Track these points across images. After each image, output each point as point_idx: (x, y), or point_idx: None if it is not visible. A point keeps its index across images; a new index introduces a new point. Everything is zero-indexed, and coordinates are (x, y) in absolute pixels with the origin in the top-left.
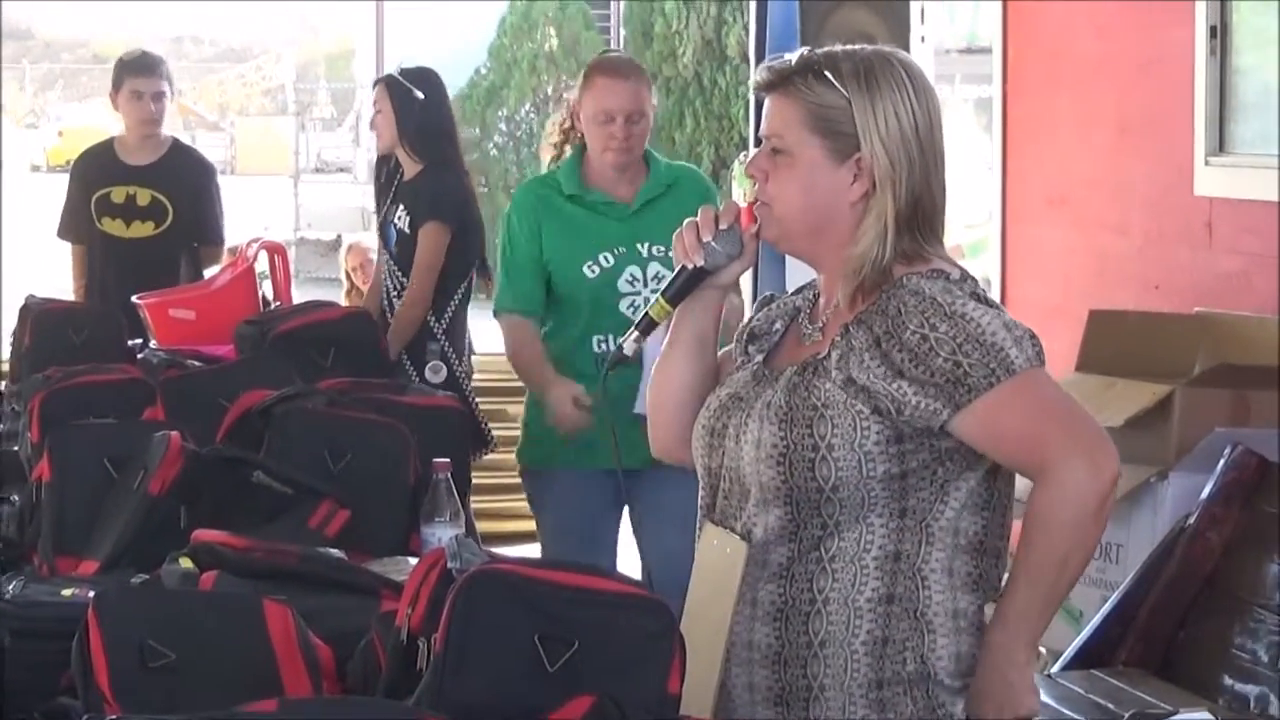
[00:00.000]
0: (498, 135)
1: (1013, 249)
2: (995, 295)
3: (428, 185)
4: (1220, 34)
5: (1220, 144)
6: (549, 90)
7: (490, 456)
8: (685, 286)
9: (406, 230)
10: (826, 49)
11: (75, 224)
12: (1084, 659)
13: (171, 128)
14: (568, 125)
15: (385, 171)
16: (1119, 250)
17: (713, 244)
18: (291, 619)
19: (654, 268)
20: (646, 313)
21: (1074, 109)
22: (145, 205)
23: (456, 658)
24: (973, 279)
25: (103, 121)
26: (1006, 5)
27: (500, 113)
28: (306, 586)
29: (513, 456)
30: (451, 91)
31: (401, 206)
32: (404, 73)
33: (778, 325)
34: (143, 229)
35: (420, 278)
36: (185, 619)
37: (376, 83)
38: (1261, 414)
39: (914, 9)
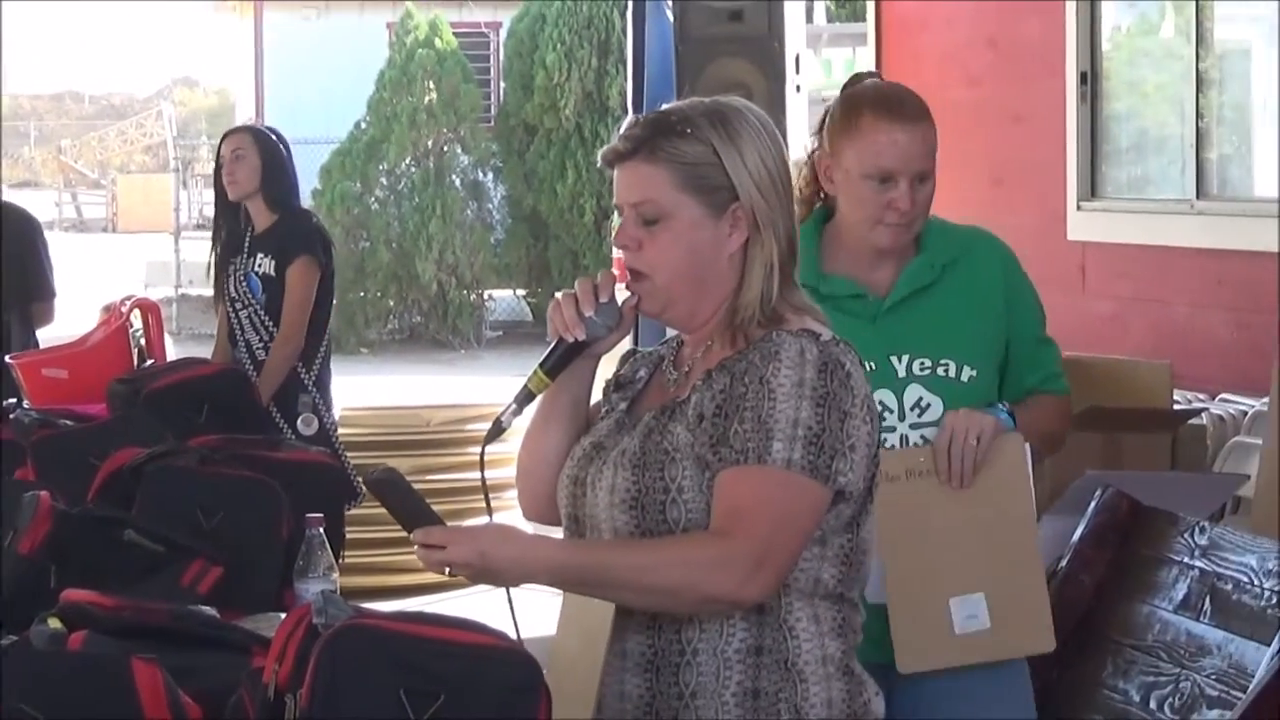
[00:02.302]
0: (379, 189)
1: None
2: None
3: (293, 228)
4: (1091, 80)
5: (1092, 189)
6: (429, 144)
7: (374, 510)
8: (564, 359)
9: (273, 274)
10: (671, 107)
11: None
12: None
13: (53, 184)
14: (808, 182)
15: (229, 224)
16: None
17: (594, 318)
18: (160, 678)
19: (914, 393)
20: (525, 385)
21: (948, 158)
22: None
23: (323, 712)
24: (844, 344)
25: None
26: (880, 55)
27: (381, 167)
28: (177, 644)
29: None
30: (331, 145)
31: (261, 254)
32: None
33: (641, 373)
34: None
35: (294, 314)
36: (53, 680)
37: (235, 132)
38: (1133, 456)
39: (789, 58)
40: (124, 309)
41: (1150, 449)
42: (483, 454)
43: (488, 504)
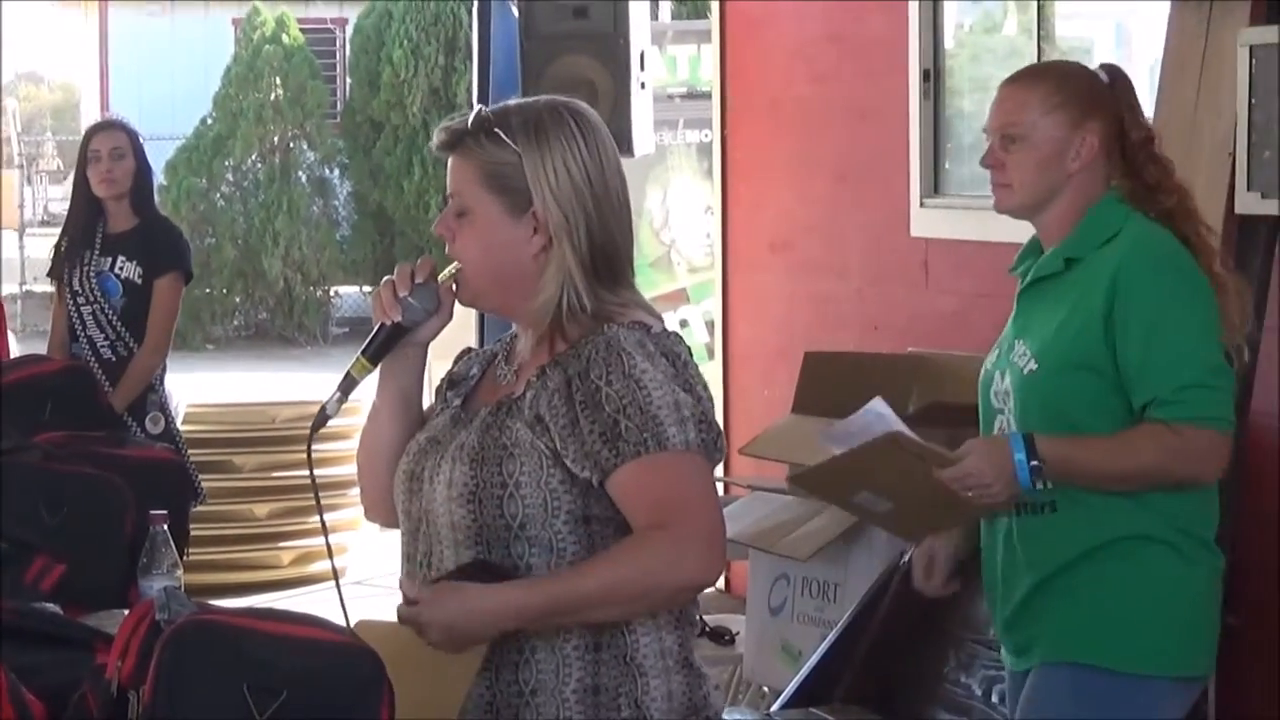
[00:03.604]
0: (225, 186)
1: (734, 293)
2: (717, 339)
3: (162, 237)
4: (934, 78)
5: (935, 186)
6: (275, 140)
7: (219, 507)
8: (385, 344)
9: (137, 280)
10: (501, 105)
11: None
12: (803, 697)
13: None
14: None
15: (84, 219)
16: (839, 293)
17: (409, 299)
18: (3, 674)
19: (1009, 381)
20: (348, 371)
21: (793, 154)
22: None
23: (165, 709)
24: (674, 335)
25: None
26: (725, 51)
27: (227, 163)
28: (19, 642)
29: (241, 508)
30: (177, 141)
31: (123, 257)
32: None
33: (474, 370)
34: None
35: (162, 328)
36: None
37: (110, 128)
38: None
39: (634, 55)
40: None
41: None
42: (310, 443)
43: (316, 496)
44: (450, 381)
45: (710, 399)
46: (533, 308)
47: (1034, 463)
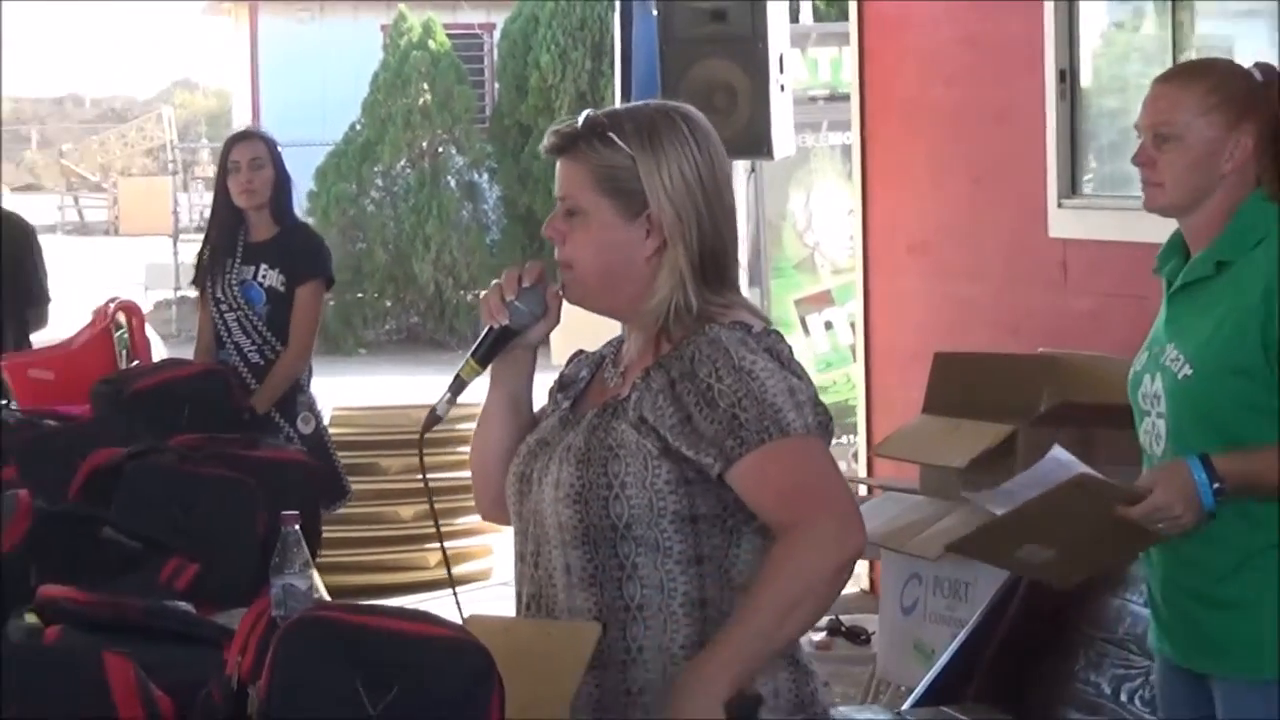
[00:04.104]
0: (374, 191)
1: (874, 295)
2: (859, 341)
3: (302, 245)
4: (1070, 78)
5: (1072, 186)
6: (424, 145)
7: (366, 509)
8: (493, 347)
9: (280, 288)
10: (610, 109)
11: None
12: (934, 695)
13: (54, 188)
14: None
15: (226, 228)
16: (977, 294)
17: (516, 303)
18: (132, 671)
19: (1160, 384)
20: (458, 374)
21: (930, 156)
22: None
23: (280, 703)
24: (776, 333)
25: None
26: (862, 53)
27: (376, 168)
28: (151, 639)
29: (387, 510)
30: (326, 147)
31: (265, 265)
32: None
33: (584, 373)
34: None
35: (305, 333)
36: (26, 673)
37: (249, 138)
38: (1104, 451)
39: (773, 58)
40: (109, 311)
41: (1123, 444)
42: (420, 444)
43: (428, 494)
44: (561, 384)
45: (814, 386)
46: (644, 309)
47: (1216, 485)
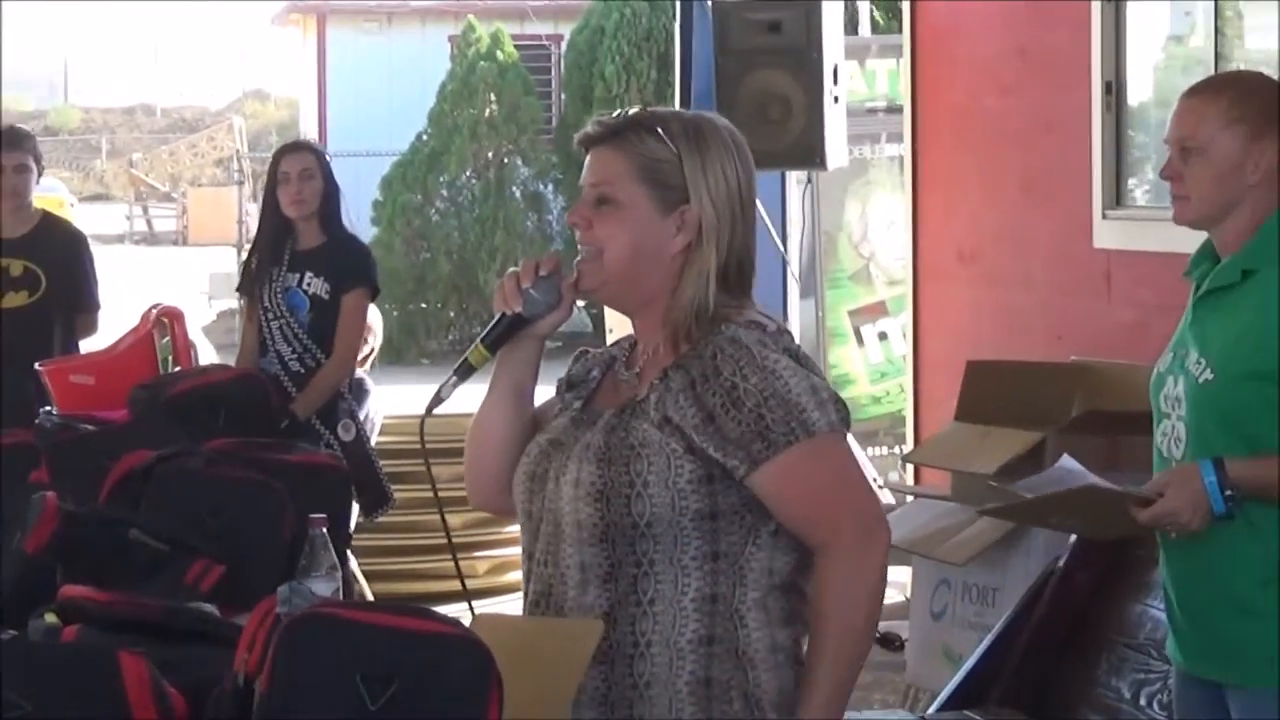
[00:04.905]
0: (439, 201)
1: (924, 304)
2: (909, 349)
3: (348, 254)
4: (1116, 90)
5: (1117, 198)
6: (489, 156)
7: (415, 518)
8: (504, 334)
9: (325, 296)
10: (653, 109)
11: None
12: (960, 700)
13: (124, 198)
14: None
15: (274, 237)
16: (1024, 303)
17: (532, 292)
18: (146, 670)
19: (1181, 387)
20: (465, 358)
21: (980, 167)
22: (18, 276)
23: (281, 699)
24: (788, 334)
25: None
26: (915, 65)
27: (441, 179)
28: (168, 639)
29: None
30: (393, 157)
31: (310, 273)
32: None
33: (594, 373)
34: (16, 299)
35: (350, 342)
36: (42, 671)
37: (299, 150)
38: (1132, 458)
39: (827, 69)
40: (152, 317)
41: (1149, 452)
42: (423, 422)
43: (429, 470)
44: (569, 383)
45: (825, 379)
46: (661, 306)
47: (1228, 492)
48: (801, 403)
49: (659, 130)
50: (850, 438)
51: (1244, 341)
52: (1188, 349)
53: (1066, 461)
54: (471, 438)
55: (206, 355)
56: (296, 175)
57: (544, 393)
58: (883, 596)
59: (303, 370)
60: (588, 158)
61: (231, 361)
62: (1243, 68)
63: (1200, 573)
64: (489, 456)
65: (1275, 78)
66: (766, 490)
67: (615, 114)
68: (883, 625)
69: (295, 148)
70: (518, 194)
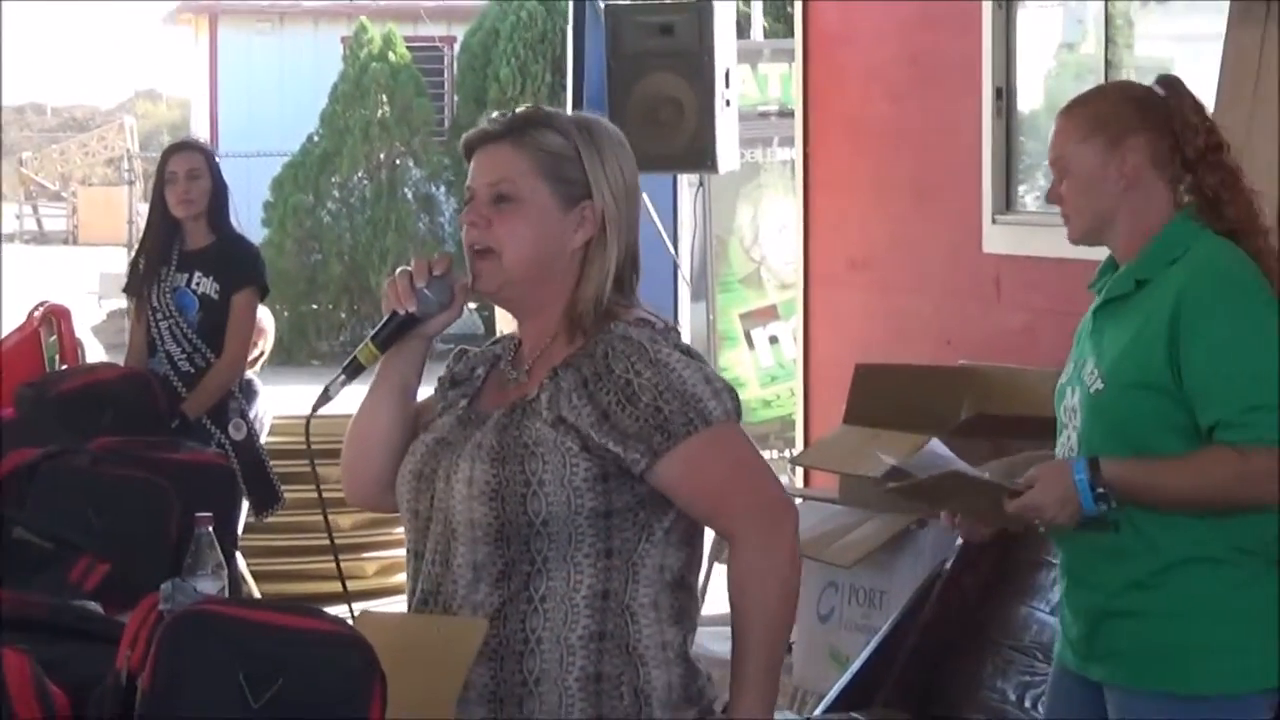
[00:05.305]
0: (331, 202)
1: (815, 309)
2: (799, 353)
3: (237, 254)
4: (1006, 96)
5: (1007, 203)
6: (382, 157)
7: (305, 518)
8: (395, 333)
9: (215, 296)
10: (544, 107)
11: None
12: (846, 702)
13: (13, 197)
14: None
15: (162, 237)
16: (915, 308)
17: (425, 291)
18: (28, 667)
19: (1078, 398)
20: (354, 356)
21: (871, 171)
22: None
23: (163, 696)
24: (676, 331)
25: None
26: (807, 70)
27: (333, 180)
28: (49, 636)
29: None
30: (284, 158)
31: (200, 273)
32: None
33: (479, 371)
34: None
35: (240, 342)
36: None
37: (186, 149)
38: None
39: (719, 72)
40: (38, 316)
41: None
42: (309, 422)
43: (314, 470)
44: (453, 381)
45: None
46: (569, 302)
47: (1099, 489)
48: (697, 393)
49: (553, 124)
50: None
51: (1131, 351)
52: (1085, 359)
53: (935, 444)
54: (352, 436)
55: (96, 355)
56: (184, 175)
57: (423, 392)
58: (798, 576)
59: (192, 370)
60: (476, 158)
61: (121, 361)
62: (1132, 75)
63: (1085, 572)
64: (371, 455)
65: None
66: (669, 482)
67: (505, 113)
68: None
69: (183, 147)
70: (410, 195)
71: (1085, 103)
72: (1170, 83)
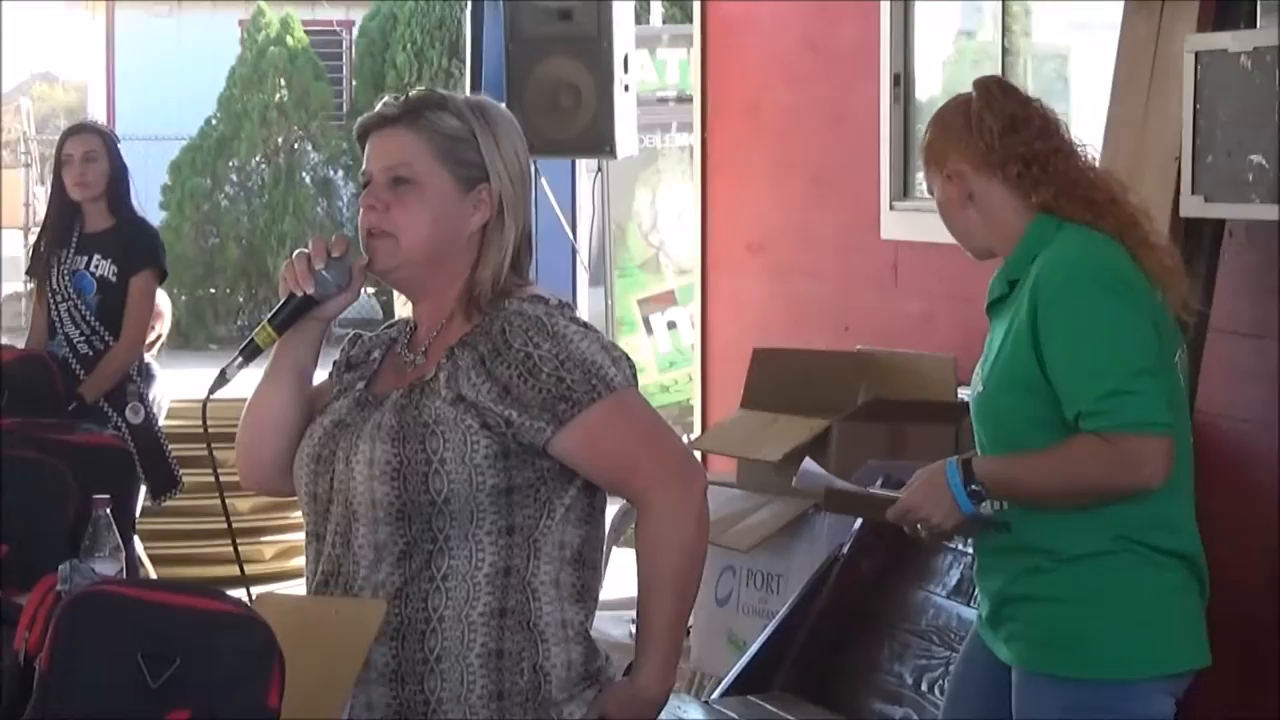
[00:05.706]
0: (228, 186)
1: (713, 294)
2: (698, 339)
3: (137, 236)
4: (904, 83)
5: (905, 190)
6: (279, 141)
7: (202, 502)
8: (293, 315)
9: (113, 279)
10: (438, 90)
11: None
12: (744, 685)
13: None
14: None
15: (62, 220)
16: (814, 294)
17: (324, 272)
18: None
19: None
20: (252, 338)
21: (770, 158)
22: None
23: (61, 676)
24: (570, 306)
25: None
26: (706, 56)
27: (231, 163)
28: None
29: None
30: (182, 142)
31: (99, 256)
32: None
33: (375, 354)
34: None
35: (138, 325)
36: None
37: (83, 131)
38: (916, 446)
39: (618, 58)
40: None
41: (933, 440)
42: (205, 405)
43: (210, 454)
44: (348, 364)
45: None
46: (467, 283)
47: (973, 487)
48: (598, 361)
49: (448, 107)
50: None
51: (1003, 352)
52: (978, 363)
53: (808, 464)
54: (247, 419)
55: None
56: (80, 157)
57: (318, 377)
58: (706, 537)
59: (91, 353)
60: (372, 141)
61: (21, 345)
62: (1030, 62)
63: (987, 555)
64: (266, 438)
65: (1061, 72)
66: (574, 449)
67: (400, 96)
68: None
69: (79, 130)
70: (308, 179)
71: (923, 141)
72: (980, 85)
